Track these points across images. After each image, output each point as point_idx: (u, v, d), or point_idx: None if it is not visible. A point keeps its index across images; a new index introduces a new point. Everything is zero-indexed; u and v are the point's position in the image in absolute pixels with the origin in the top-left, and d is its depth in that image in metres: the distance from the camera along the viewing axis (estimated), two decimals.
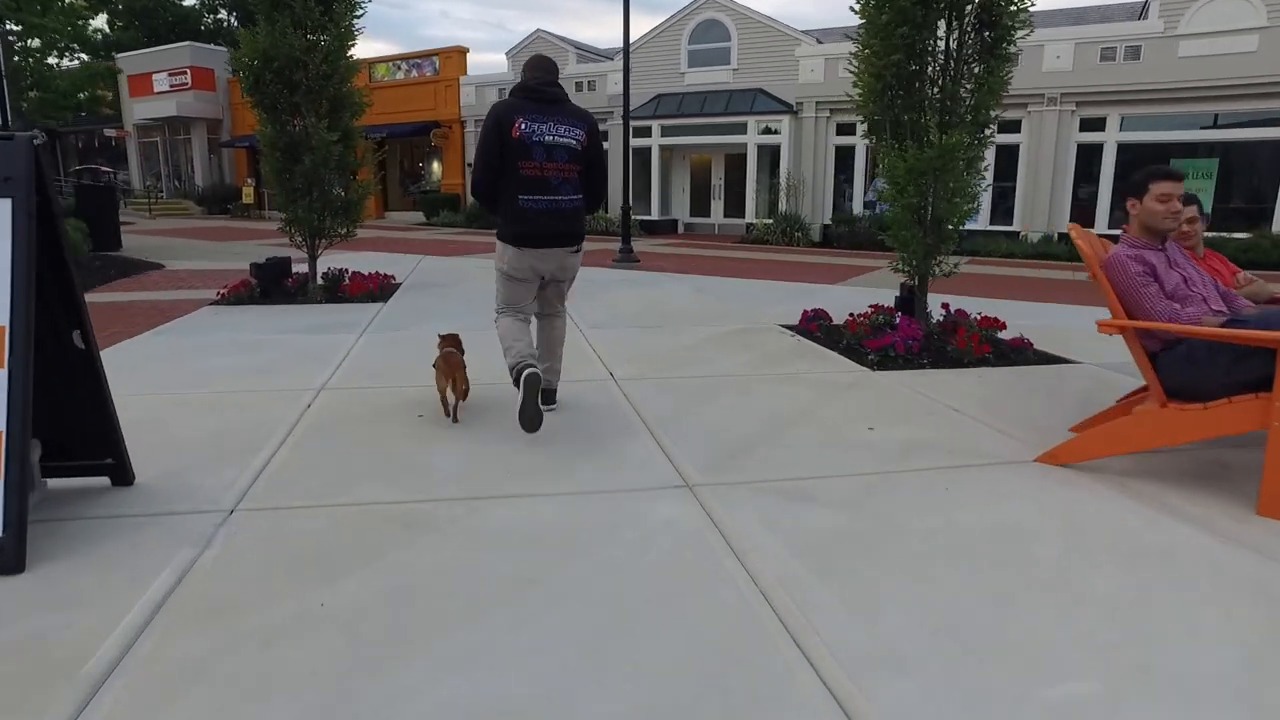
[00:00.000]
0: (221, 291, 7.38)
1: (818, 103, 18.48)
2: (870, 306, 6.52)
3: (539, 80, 3.57)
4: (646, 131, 20.28)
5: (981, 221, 17.38)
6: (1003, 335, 5.89)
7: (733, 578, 2.24)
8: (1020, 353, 5.43)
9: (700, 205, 21.40)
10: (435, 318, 6.60)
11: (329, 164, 7.22)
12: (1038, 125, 16.38)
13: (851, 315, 6.23)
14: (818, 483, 2.99)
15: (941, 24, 5.39)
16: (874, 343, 5.30)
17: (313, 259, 7.81)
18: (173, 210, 27.35)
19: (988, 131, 5.62)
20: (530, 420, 3.33)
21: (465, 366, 3.75)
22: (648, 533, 2.52)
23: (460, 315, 6.63)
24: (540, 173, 3.48)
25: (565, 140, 3.53)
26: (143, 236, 16.24)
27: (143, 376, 4.45)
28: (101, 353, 2.65)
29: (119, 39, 41.06)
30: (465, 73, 23.97)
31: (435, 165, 25.57)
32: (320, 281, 7.89)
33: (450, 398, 3.68)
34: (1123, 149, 16.00)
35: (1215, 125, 15.28)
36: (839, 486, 2.96)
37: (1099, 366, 5.20)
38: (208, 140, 28.93)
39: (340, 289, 7.68)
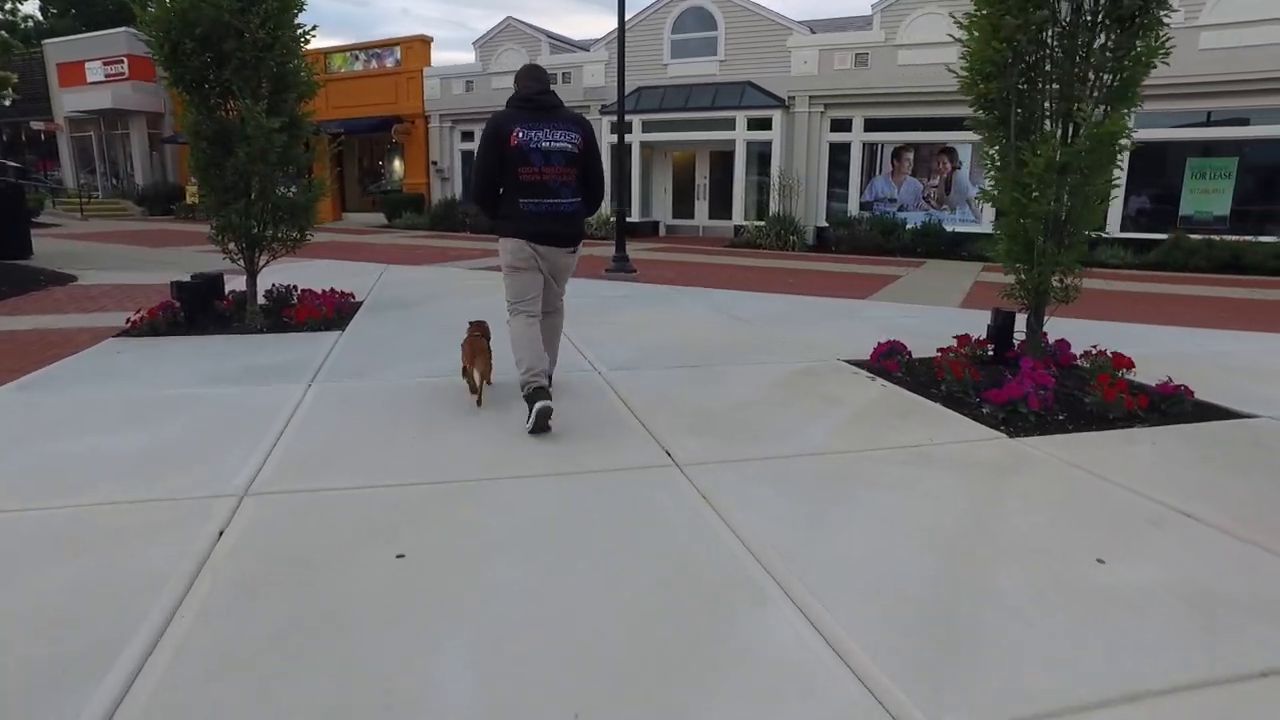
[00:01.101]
0: (133, 318, 5.83)
1: (811, 97, 17.30)
2: (955, 337, 5.25)
3: (533, 90, 3.69)
4: (626, 127, 18.86)
5: (985, 223, 16.39)
6: (1132, 374, 4.69)
7: None
8: (1175, 402, 4.20)
9: (683, 206, 20.11)
10: (406, 355, 5.17)
11: (269, 158, 5.72)
12: None
13: (942, 351, 4.96)
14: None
15: None
16: (997, 395, 4.01)
17: (252, 275, 6.31)
18: (109, 211, 25.18)
19: (1131, 115, 4.39)
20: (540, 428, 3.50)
21: (490, 351, 3.94)
22: None
23: (438, 351, 5.21)
24: (539, 177, 3.62)
25: (561, 145, 3.64)
26: (65, 241, 14.40)
27: None
28: None
29: (53, 27, 38.45)
30: (429, 64, 22.34)
31: (397, 163, 23.88)
32: (262, 303, 6.40)
33: (476, 380, 3.89)
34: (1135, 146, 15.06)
35: (1235, 122, 14.44)
36: None
37: None
38: (148, 135, 26.76)
39: (285, 313, 6.17)
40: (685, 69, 18.50)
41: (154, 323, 5.78)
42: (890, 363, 4.94)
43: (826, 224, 17.19)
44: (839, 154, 17.62)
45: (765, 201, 17.98)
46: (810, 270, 12.03)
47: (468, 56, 22.97)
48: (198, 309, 6.06)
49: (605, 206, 19.20)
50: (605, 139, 19.04)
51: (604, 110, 19.08)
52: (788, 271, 11.71)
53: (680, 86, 18.53)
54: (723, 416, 3.87)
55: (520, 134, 3.56)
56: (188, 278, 6.28)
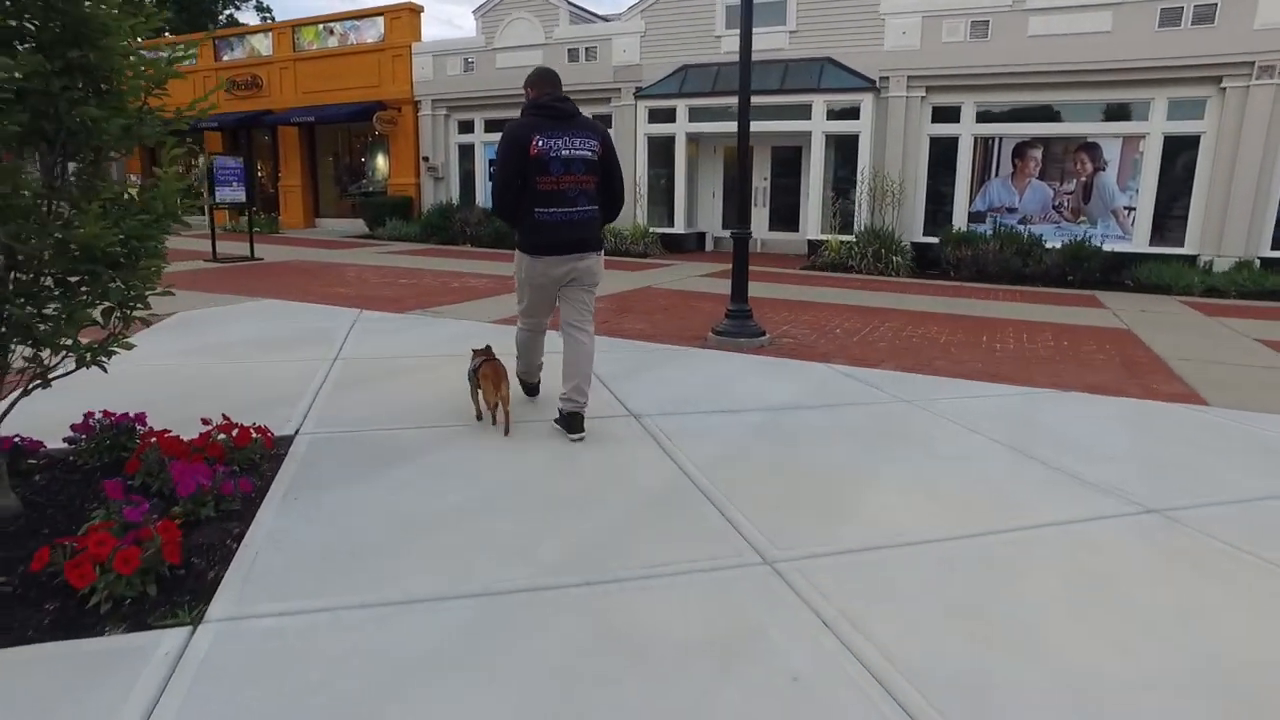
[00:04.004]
0: None
1: (910, 77, 13.54)
2: None
3: (551, 97, 3.65)
4: (669, 115, 15.08)
5: (1138, 241, 12.71)
6: None
7: None
8: None
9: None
10: None
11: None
12: (1236, 106, 11.68)
13: None
14: None
15: None
16: None
17: None
18: None
19: None
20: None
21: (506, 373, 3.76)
22: None
23: None
24: (556, 186, 3.56)
25: (581, 153, 3.59)
26: None
27: None
28: None
29: None
30: (419, 38, 18.41)
31: (380, 159, 19.93)
32: (41, 458, 2.55)
33: (485, 404, 3.78)
34: None
35: None
36: None
37: None
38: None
39: (38, 560, 2.25)
40: None
41: None
42: None
43: (934, 239, 13.40)
44: (943, 151, 13.88)
45: (849, 210, 14.20)
46: (975, 317, 8.25)
47: (444, 43, 19.00)
48: None
49: (635, 215, 15.39)
50: (642, 130, 15.22)
51: (640, 94, 15.27)
52: (950, 321, 7.93)
53: (738, 64, 14.66)
54: None
55: (540, 143, 3.52)
56: None
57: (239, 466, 3.16)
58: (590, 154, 3.62)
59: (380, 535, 2.64)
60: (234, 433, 3.27)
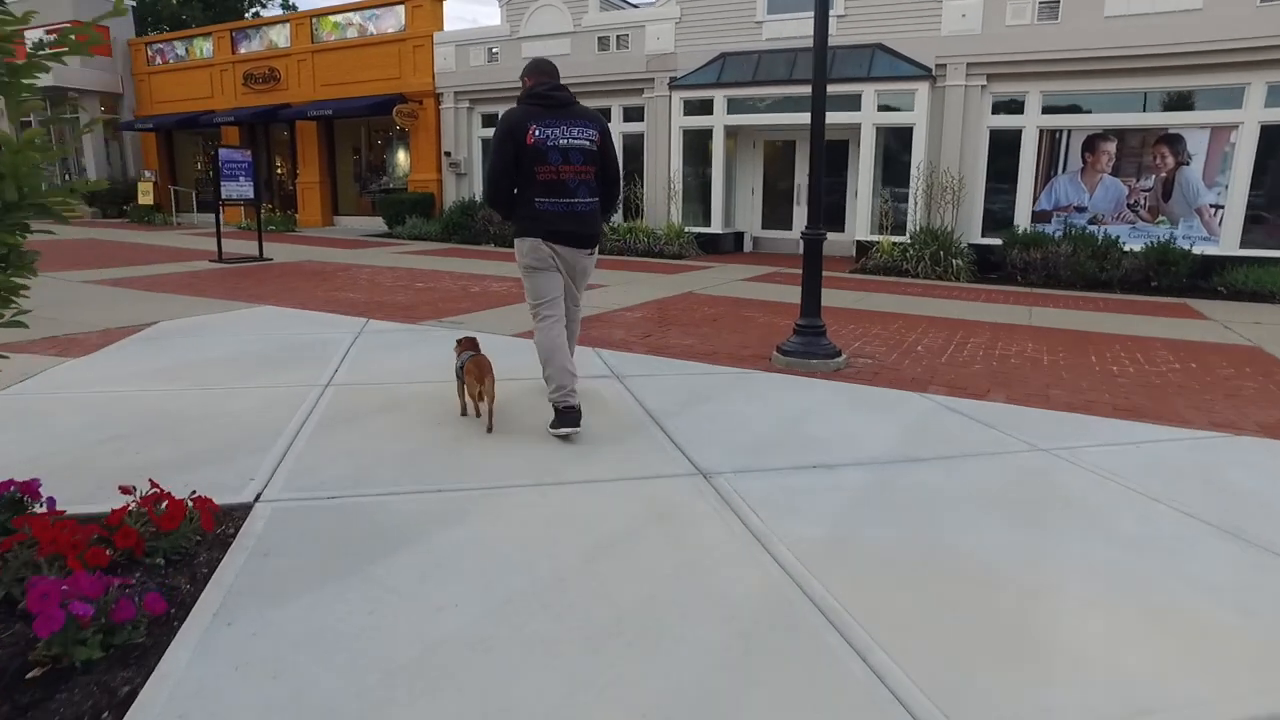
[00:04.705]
0: None
1: (970, 64, 12.43)
2: None
3: (548, 86, 3.58)
4: (706, 106, 14.10)
5: (1226, 243, 11.49)
6: None
7: None
8: None
9: (776, 212, 15.23)
10: None
11: None
12: None
13: None
14: None
15: None
16: None
17: None
18: None
19: None
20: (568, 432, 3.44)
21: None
22: None
23: None
24: (556, 176, 3.49)
25: (579, 142, 3.53)
26: None
27: None
28: None
29: None
30: (441, 28, 17.59)
31: (400, 154, 19.14)
32: None
33: (482, 404, 3.58)
34: None
35: None
36: None
37: None
38: (103, 120, 22.20)
39: None
40: (787, 28, 13.63)
41: None
42: None
43: (995, 240, 12.27)
44: (1004, 144, 12.75)
45: (900, 209, 13.13)
46: (1069, 330, 7.19)
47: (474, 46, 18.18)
48: None
49: (669, 214, 14.44)
50: (677, 123, 14.27)
51: (675, 84, 14.30)
52: (1043, 336, 6.88)
53: (781, 51, 13.68)
54: None
55: (537, 131, 3.44)
56: None
57: (164, 559, 2.27)
58: (589, 144, 3.55)
59: (342, 695, 1.71)
60: (163, 506, 2.37)
